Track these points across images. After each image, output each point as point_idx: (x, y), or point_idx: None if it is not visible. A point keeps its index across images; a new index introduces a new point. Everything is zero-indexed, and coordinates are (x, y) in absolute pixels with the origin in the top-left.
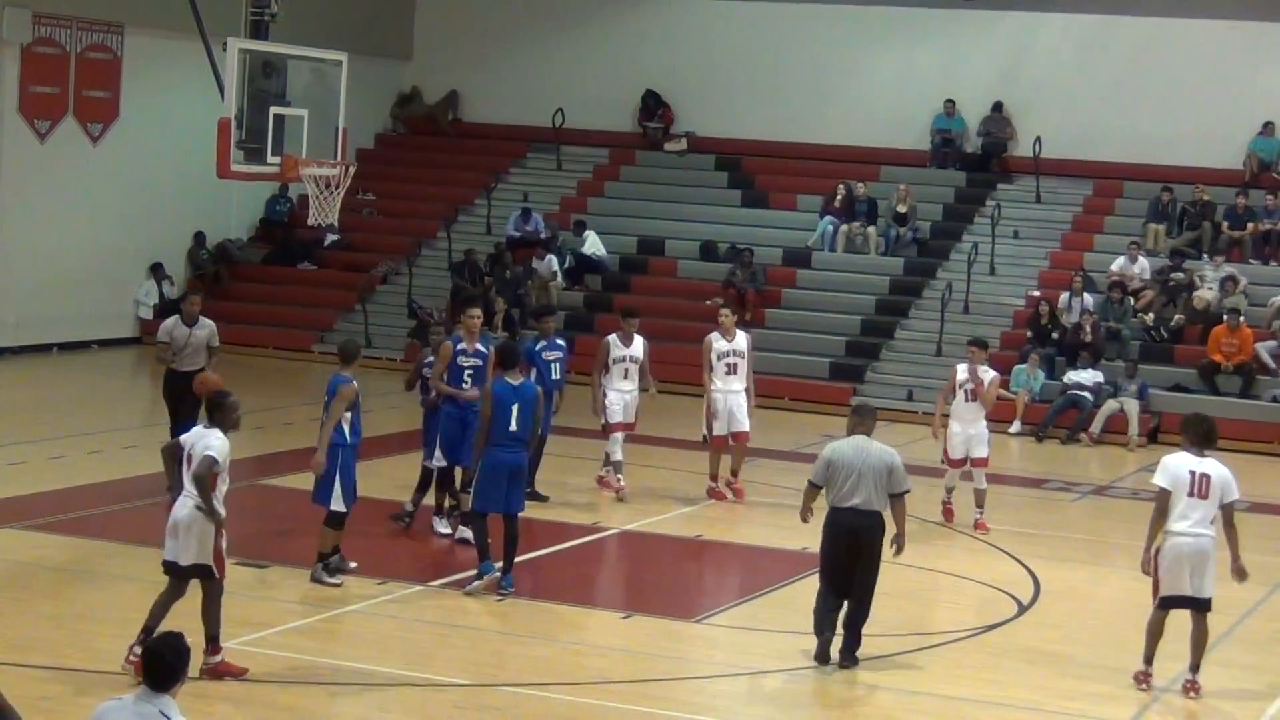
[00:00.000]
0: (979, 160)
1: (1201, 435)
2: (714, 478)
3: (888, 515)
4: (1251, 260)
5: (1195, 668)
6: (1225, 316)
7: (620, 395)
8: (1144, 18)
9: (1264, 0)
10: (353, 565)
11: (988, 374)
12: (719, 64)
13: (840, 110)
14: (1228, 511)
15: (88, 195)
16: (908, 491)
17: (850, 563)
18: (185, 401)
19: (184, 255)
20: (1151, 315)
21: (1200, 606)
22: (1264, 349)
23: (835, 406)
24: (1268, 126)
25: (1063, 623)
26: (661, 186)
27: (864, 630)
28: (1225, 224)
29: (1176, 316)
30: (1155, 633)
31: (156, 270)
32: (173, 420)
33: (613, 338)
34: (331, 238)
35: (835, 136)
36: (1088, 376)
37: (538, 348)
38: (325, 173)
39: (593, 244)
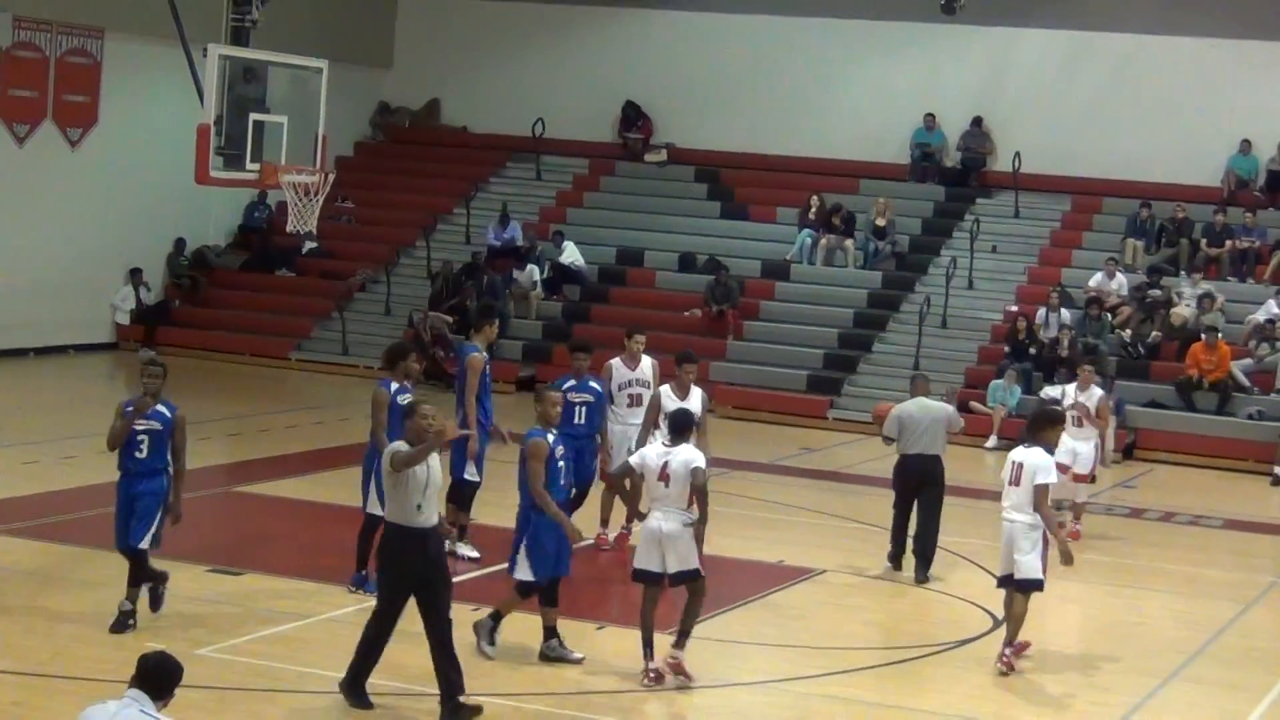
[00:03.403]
0: (958, 174)
1: (1030, 425)
2: (604, 522)
3: None
4: (1229, 278)
5: (1010, 643)
6: (1203, 334)
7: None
8: (1124, 34)
9: (1244, 18)
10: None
11: (1094, 396)
12: (699, 76)
13: (820, 123)
14: (1037, 492)
15: (66, 200)
16: (962, 428)
17: (918, 493)
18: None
19: (162, 261)
20: (1129, 331)
21: (1021, 586)
22: (1239, 368)
23: (812, 419)
24: (1246, 144)
25: (1035, 637)
26: (641, 197)
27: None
28: (1203, 241)
29: (1154, 333)
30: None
31: (134, 275)
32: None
33: (665, 389)
34: (310, 245)
35: (815, 149)
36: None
37: (565, 387)
38: (304, 180)
39: (571, 254)
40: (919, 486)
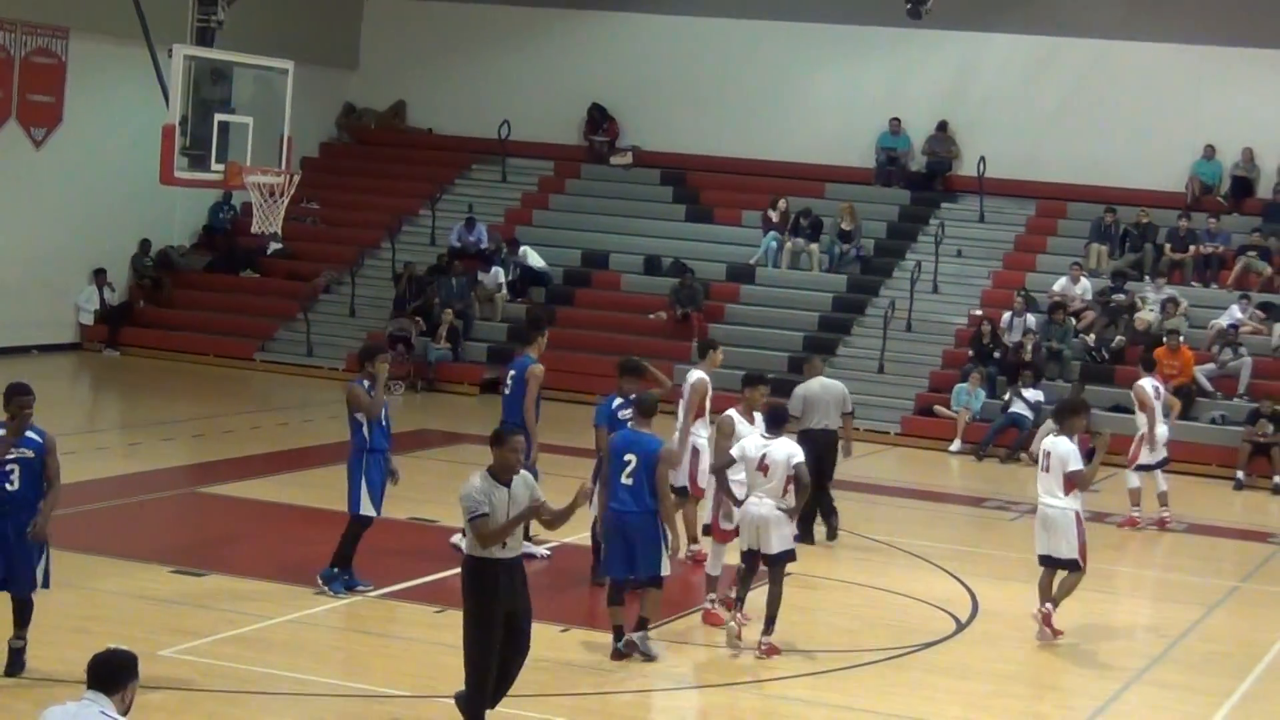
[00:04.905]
0: (923, 179)
1: (1053, 414)
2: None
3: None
4: (1193, 283)
5: (1055, 604)
6: (1165, 338)
7: (741, 488)
8: (1089, 40)
9: (1209, 24)
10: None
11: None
12: (665, 78)
13: (786, 127)
14: (1068, 480)
15: (30, 199)
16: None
17: (817, 465)
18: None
19: (126, 261)
20: (1093, 336)
21: (1061, 565)
22: (1202, 372)
23: None
24: (1210, 150)
25: (1000, 641)
26: (606, 200)
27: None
28: (1167, 246)
29: (1118, 338)
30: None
31: (98, 276)
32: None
33: (733, 413)
34: (274, 246)
35: (781, 153)
36: (1028, 396)
37: (614, 406)
38: (269, 181)
39: (533, 260)
40: (819, 458)
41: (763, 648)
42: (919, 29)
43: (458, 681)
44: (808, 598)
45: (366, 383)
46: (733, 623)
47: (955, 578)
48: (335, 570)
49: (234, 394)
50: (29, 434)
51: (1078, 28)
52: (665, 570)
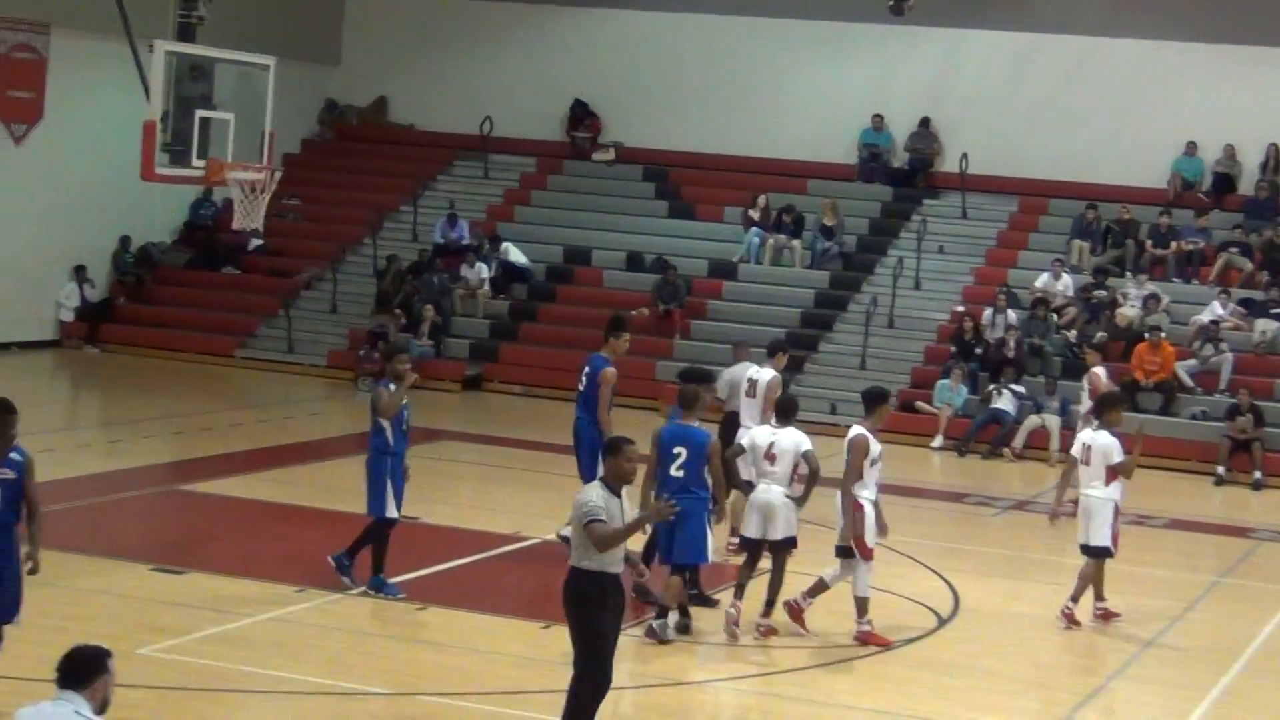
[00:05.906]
0: (906, 175)
1: (1095, 409)
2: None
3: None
4: (1174, 279)
5: (1076, 599)
6: (1146, 334)
7: (873, 506)
8: (1071, 36)
9: (1190, 21)
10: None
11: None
12: (648, 75)
13: (768, 123)
14: (1111, 470)
15: (9, 196)
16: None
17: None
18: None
19: (107, 258)
20: (1074, 332)
21: (1092, 553)
22: (1183, 368)
23: None
24: (1191, 146)
25: (981, 636)
26: (588, 196)
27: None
28: (1149, 242)
29: (1099, 334)
30: (1087, 578)
31: (79, 272)
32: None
33: (863, 431)
34: (256, 242)
35: (763, 149)
36: (1010, 392)
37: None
38: (251, 177)
39: (515, 256)
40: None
41: (760, 629)
42: (901, 25)
43: (440, 679)
44: (790, 594)
45: (394, 386)
46: (731, 609)
47: (937, 574)
48: (382, 576)
49: (215, 391)
50: (11, 454)
51: (1060, 24)
52: (709, 559)
